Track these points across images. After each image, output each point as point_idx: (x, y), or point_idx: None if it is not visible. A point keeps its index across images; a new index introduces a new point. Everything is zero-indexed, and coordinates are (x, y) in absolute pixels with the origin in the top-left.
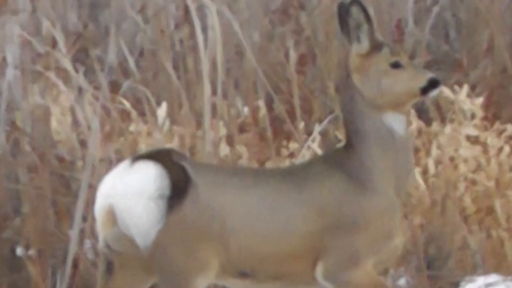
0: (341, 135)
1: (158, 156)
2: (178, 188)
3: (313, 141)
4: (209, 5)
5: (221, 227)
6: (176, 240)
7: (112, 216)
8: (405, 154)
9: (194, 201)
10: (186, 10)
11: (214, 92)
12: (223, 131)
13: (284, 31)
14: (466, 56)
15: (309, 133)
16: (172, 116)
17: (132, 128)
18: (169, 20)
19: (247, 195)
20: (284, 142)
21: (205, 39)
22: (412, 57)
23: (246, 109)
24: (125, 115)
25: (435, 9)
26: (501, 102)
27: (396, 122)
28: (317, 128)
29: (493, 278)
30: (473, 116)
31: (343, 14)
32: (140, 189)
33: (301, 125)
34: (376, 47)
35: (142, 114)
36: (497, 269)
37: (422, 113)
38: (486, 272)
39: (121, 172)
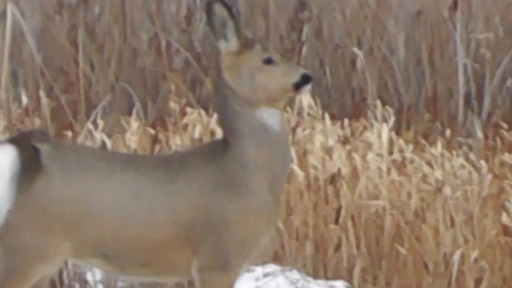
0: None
1: (19, 138)
2: (28, 171)
3: (94, 126)
4: None
5: (74, 211)
6: (24, 223)
7: None
8: (281, 149)
9: (44, 185)
10: None
11: None
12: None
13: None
14: None
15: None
16: None
17: None
18: None
19: (111, 180)
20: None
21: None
22: None
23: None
24: None
25: None
26: None
27: (270, 117)
28: (94, 113)
29: (271, 268)
30: None
31: (208, 12)
32: None
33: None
34: (246, 44)
35: None
36: (275, 259)
37: None
38: (264, 262)
39: None
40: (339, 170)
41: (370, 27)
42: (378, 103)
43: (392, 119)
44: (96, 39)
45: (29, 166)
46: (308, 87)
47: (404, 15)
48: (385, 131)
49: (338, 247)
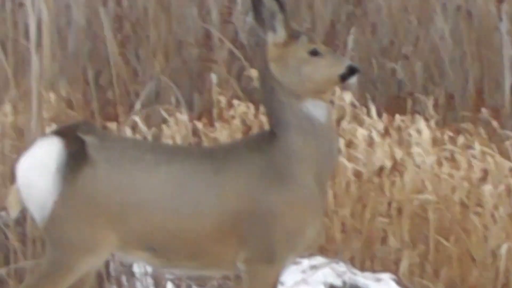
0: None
1: (65, 130)
2: (74, 163)
3: (140, 118)
4: None
5: (121, 202)
6: (70, 215)
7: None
8: (328, 142)
9: (90, 176)
10: None
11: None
12: (49, 113)
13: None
14: None
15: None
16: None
17: None
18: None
19: (157, 171)
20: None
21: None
22: None
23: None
24: None
25: None
26: None
27: (317, 109)
28: (137, 103)
29: (317, 260)
30: None
31: (256, 4)
32: (37, 162)
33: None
34: (293, 36)
35: None
36: (322, 251)
37: None
38: (311, 254)
39: (29, 148)
40: (387, 164)
41: (416, 19)
42: (423, 96)
43: (437, 112)
44: (142, 30)
45: (75, 158)
46: (354, 79)
47: (450, 7)
48: (430, 124)
49: (385, 239)
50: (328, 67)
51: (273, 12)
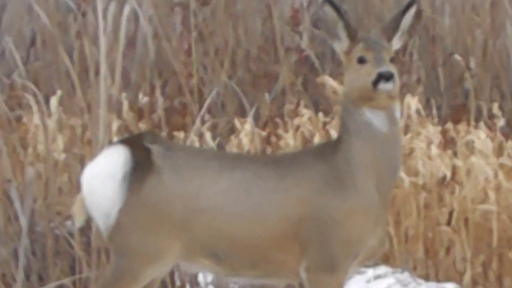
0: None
1: (131, 139)
2: (140, 171)
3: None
4: None
5: (185, 210)
6: (135, 223)
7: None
8: (389, 151)
9: (156, 184)
10: None
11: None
12: (117, 123)
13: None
14: None
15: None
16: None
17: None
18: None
19: (221, 178)
20: (176, 132)
21: (105, 30)
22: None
23: (145, 99)
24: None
25: None
26: None
27: (375, 118)
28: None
29: (382, 269)
30: None
31: (321, 14)
32: (103, 171)
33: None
34: (355, 42)
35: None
36: (386, 261)
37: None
38: (375, 264)
39: (96, 157)
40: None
41: (482, 30)
42: (486, 105)
43: (501, 122)
44: (209, 40)
45: (141, 166)
46: (386, 85)
47: None
48: (494, 133)
49: (449, 249)
50: (364, 75)
51: (334, 21)
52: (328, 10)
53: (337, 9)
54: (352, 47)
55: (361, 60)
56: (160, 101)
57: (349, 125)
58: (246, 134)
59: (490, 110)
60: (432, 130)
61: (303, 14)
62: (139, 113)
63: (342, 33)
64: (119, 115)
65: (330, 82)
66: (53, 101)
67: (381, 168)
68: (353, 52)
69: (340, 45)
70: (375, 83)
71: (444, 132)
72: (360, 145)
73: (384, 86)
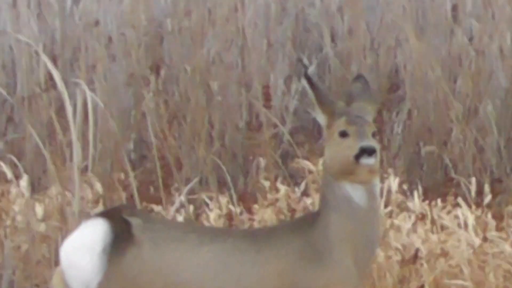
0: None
1: (109, 212)
2: (120, 244)
3: (181, 204)
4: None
5: (164, 282)
6: None
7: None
8: (368, 226)
9: (135, 257)
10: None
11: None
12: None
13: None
14: None
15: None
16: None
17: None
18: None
19: (200, 251)
20: (151, 206)
21: (74, 111)
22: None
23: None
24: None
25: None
26: None
27: (355, 192)
28: (185, 190)
29: None
30: None
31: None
32: (82, 244)
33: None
34: (336, 115)
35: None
36: None
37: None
38: None
39: (74, 230)
40: (418, 249)
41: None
42: (463, 180)
43: (480, 197)
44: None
45: (121, 239)
46: (368, 160)
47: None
48: (472, 209)
49: None
50: (346, 149)
51: (312, 96)
52: (305, 84)
53: (308, 80)
54: (332, 121)
55: (343, 134)
56: (131, 174)
57: (328, 199)
58: (220, 208)
59: (467, 185)
60: (410, 205)
61: (276, 90)
62: (112, 187)
63: (317, 109)
64: (93, 189)
65: (305, 164)
66: (22, 181)
67: (360, 243)
68: (335, 126)
69: (320, 119)
70: (357, 157)
71: (422, 208)
72: (338, 220)
73: (366, 161)
